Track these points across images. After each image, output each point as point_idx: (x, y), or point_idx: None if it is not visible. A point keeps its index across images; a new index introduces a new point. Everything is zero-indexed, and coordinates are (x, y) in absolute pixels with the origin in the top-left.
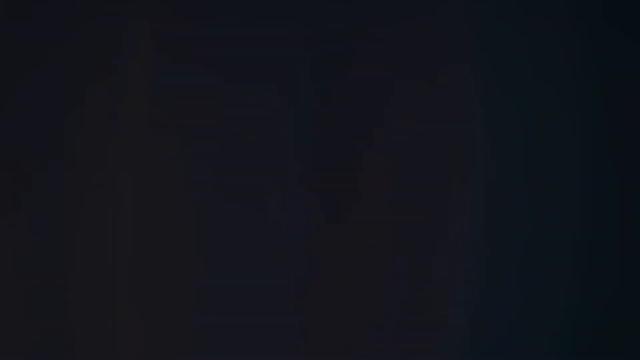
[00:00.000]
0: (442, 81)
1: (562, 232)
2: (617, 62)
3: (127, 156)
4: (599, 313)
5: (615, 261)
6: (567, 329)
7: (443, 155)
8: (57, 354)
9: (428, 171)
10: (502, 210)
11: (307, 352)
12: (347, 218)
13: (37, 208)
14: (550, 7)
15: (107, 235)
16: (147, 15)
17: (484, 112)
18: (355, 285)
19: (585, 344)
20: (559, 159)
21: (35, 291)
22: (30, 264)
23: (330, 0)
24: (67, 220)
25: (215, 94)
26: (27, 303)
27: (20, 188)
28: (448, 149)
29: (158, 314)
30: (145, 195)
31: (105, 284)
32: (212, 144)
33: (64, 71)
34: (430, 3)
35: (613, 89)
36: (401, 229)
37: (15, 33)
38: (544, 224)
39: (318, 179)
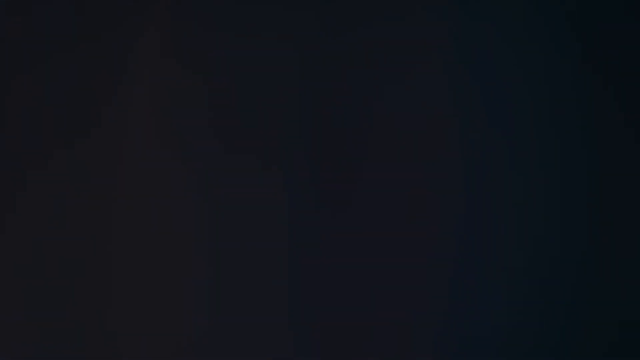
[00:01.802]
0: (438, 81)
1: (555, 233)
2: (611, 60)
3: (131, 157)
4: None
5: (611, 260)
6: (562, 330)
7: (436, 157)
8: (58, 353)
9: (424, 173)
10: (497, 209)
11: (307, 353)
12: (346, 218)
13: (39, 208)
14: (542, 6)
15: (109, 235)
16: (151, 17)
17: (480, 111)
18: (355, 286)
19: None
20: (549, 157)
21: (36, 291)
22: (31, 263)
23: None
24: (68, 220)
25: (218, 95)
26: (27, 303)
27: (23, 188)
28: (442, 148)
29: (158, 313)
30: (146, 196)
31: (107, 284)
32: (216, 144)
33: (69, 72)
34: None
35: (607, 87)
36: (397, 229)
37: (16, 33)
38: (540, 223)
39: (318, 178)
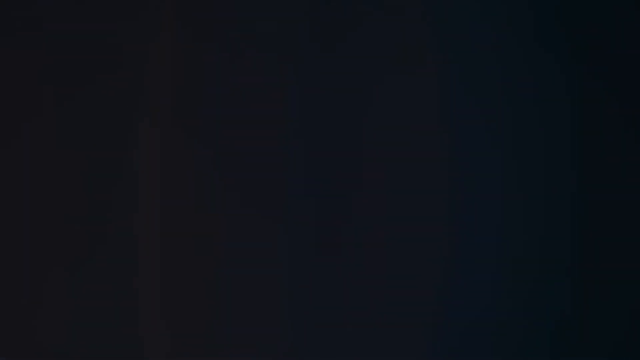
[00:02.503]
0: (437, 82)
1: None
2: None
3: (129, 155)
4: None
5: (610, 259)
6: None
7: (432, 157)
8: (58, 353)
9: (423, 172)
10: (495, 209)
11: (306, 352)
12: (346, 219)
13: (40, 208)
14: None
15: (109, 235)
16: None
17: (479, 111)
18: (353, 285)
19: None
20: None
21: (40, 291)
22: (37, 263)
23: None
24: (68, 220)
25: (216, 95)
26: (31, 303)
27: (26, 188)
28: (438, 149)
29: (159, 314)
30: (145, 195)
31: (107, 285)
32: (215, 145)
33: (71, 72)
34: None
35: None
36: (395, 228)
37: (17, 33)
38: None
39: (317, 179)
